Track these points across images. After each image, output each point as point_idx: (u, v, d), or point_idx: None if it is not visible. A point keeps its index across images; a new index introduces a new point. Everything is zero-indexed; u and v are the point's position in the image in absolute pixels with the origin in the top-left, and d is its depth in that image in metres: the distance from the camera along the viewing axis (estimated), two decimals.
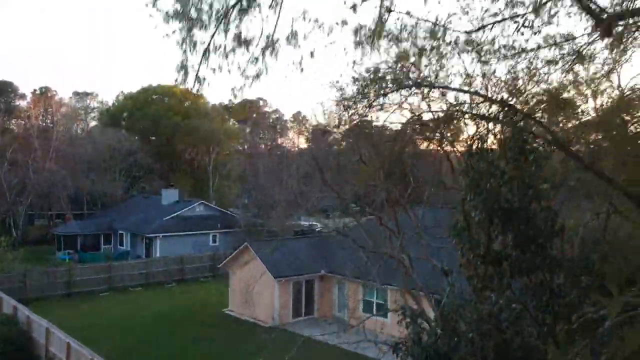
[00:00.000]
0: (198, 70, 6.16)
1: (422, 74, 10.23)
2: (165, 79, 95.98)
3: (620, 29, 6.85)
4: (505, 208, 7.28)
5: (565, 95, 10.94)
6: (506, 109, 9.29)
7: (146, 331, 30.27)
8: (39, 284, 37.37)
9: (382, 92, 10.93)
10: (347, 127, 14.86)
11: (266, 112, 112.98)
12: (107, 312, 34.22)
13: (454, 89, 10.24)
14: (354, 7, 5.75)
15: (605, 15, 6.16)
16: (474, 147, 7.91)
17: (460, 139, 13.02)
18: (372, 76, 10.16)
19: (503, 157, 7.81)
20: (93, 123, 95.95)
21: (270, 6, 5.50)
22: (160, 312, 34.34)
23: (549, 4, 6.76)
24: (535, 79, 10.83)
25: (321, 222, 47.08)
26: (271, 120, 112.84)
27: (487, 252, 6.93)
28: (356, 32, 6.23)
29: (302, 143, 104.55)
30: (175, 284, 42.43)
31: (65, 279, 38.53)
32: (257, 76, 6.32)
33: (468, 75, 11.32)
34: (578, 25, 10.80)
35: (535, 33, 7.73)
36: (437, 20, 7.17)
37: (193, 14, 5.63)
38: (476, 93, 10.04)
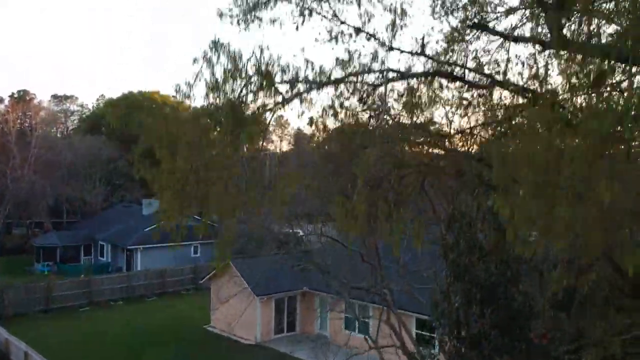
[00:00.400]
0: None
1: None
2: (147, 84, 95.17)
3: None
4: (485, 285, 7.36)
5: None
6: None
7: (126, 350, 30.02)
8: (17, 299, 36.86)
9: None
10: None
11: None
12: (87, 329, 33.86)
13: (434, 146, 10.29)
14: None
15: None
16: (453, 220, 7.96)
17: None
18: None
19: (481, 230, 7.89)
20: (73, 127, 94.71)
21: None
22: (140, 328, 34.07)
23: None
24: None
25: (303, 230, 46.81)
26: None
27: (467, 334, 7.02)
28: None
29: (285, 147, 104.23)
30: (156, 297, 42.12)
31: (44, 294, 38.06)
32: None
33: (449, 122, 11.43)
34: None
35: None
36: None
37: None
38: (454, 150, 10.10)
